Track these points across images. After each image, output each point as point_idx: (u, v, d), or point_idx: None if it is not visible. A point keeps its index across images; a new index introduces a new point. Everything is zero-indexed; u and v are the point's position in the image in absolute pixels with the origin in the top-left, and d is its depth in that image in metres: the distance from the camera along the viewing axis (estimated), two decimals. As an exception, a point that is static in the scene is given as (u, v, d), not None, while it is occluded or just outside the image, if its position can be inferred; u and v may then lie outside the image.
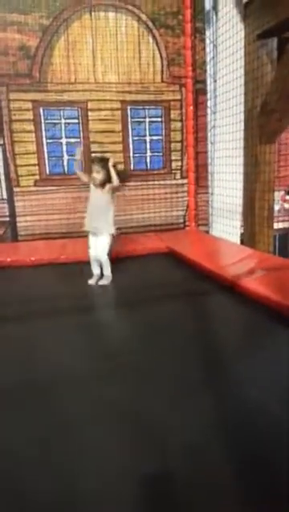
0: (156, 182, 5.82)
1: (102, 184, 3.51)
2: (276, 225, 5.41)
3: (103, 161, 3.51)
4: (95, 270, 3.71)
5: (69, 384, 1.98)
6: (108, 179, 3.48)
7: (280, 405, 1.71)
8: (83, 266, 3.82)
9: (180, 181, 5.89)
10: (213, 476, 1.35)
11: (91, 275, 3.68)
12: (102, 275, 3.69)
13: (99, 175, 3.47)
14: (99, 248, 3.60)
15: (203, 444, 1.50)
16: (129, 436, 1.57)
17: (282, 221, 6.11)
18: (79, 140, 5.52)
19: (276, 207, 5.38)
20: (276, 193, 5.12)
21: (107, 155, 3.79)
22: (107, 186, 3.51)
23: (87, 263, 3.73)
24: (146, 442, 1.52)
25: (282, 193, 6.08)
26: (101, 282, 3.62)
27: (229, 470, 1.37)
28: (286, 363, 2.08)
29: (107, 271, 3.67)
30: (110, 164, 3.46)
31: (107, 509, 1.25)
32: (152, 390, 1.89)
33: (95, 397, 1.85)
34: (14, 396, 1.89)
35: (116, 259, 3.91)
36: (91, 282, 3.64)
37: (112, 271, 3.69)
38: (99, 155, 4.05)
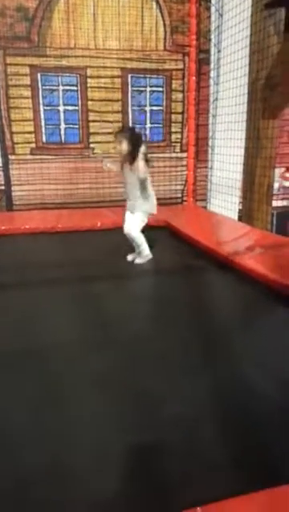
0: (154, 155, 5.71)
1: (130, 158, 3.25)
2: (275, 203, 5.36)
3: (126, 131, 3.35)
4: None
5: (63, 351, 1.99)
6: (135, 151, 3.21)
7: (271, 382, 1.72)
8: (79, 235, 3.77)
9: (179, 155, 5.79)
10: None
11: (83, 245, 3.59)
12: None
13: (120, 145, 3.24)
14: (130, 224, 3.42)
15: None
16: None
17: (282, 199, 6.05)
18: (76, 107, 5.37)
19: (276, 185, 5.32)
20: (276, 170, 5.05)
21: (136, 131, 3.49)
22: (134, 165, 3.23)
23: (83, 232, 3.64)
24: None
25: (283, 170, 5.99)
26: (136, 261, 3.45)
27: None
28: (281, 341, 2.09)
29: (140, 250, 3.45)
30: (140, 153, 3.18)
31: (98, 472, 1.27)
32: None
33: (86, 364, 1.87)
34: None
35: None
36: (129, 258, 3.50)
37: (108, 241, 3.60)
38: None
